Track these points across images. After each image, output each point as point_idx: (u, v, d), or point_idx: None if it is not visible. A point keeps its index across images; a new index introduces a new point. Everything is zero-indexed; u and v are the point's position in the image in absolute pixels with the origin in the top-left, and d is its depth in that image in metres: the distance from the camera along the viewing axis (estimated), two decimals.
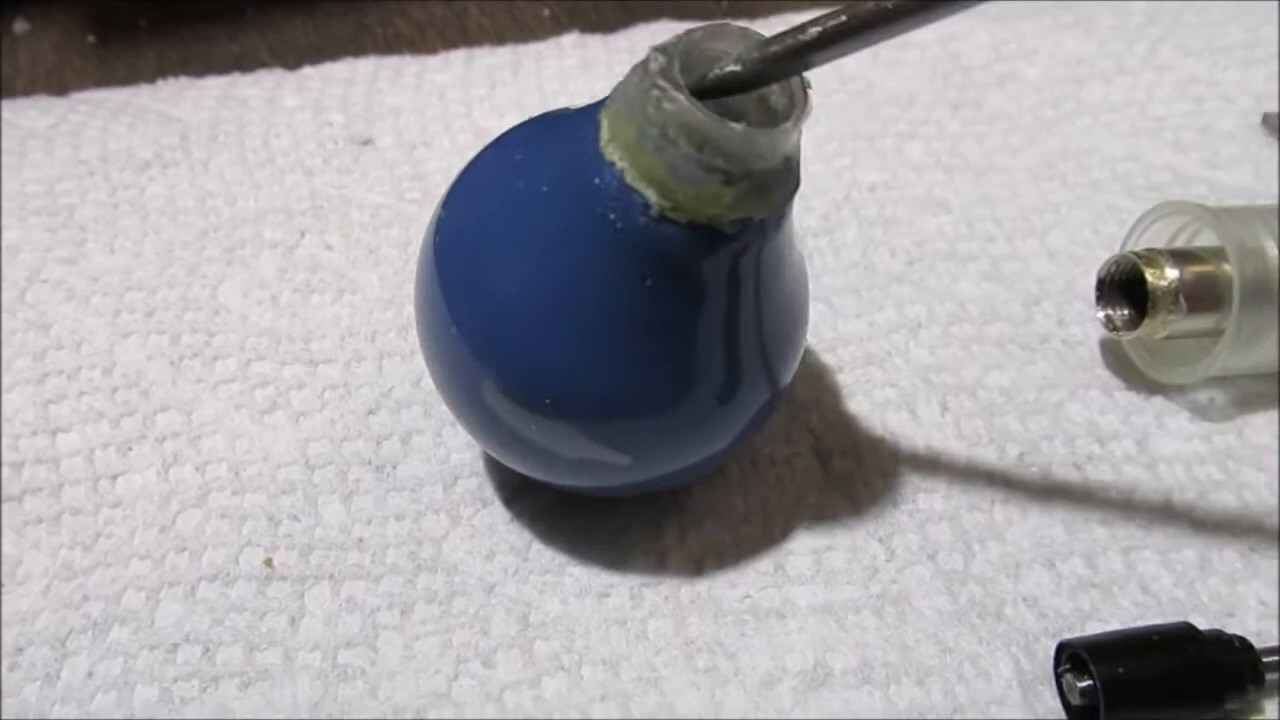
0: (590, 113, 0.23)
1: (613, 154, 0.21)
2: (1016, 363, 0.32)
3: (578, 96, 0.40)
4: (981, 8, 0.20)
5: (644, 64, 0.21)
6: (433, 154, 0.39)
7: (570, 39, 0.44)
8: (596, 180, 0.22)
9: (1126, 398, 0.32)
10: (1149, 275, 0.29)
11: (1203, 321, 0.30)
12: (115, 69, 0.45)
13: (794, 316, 0.26)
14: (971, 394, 0.32)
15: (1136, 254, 0.30)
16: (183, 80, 0.44)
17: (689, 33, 0.21)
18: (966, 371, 0.32)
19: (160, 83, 0.43)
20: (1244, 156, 0.38)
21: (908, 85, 0.42)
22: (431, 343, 0.25)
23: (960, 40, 0.43)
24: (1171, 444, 0.30)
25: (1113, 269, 0.31)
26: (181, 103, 0.42)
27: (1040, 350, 0.33)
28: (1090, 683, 0.24)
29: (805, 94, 0.21)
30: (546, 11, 0.48)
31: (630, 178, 0.21)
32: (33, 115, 0.40)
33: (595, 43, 0.44)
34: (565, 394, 0.24)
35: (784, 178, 0.22)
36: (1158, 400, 0.31)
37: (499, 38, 0.46)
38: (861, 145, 0.39)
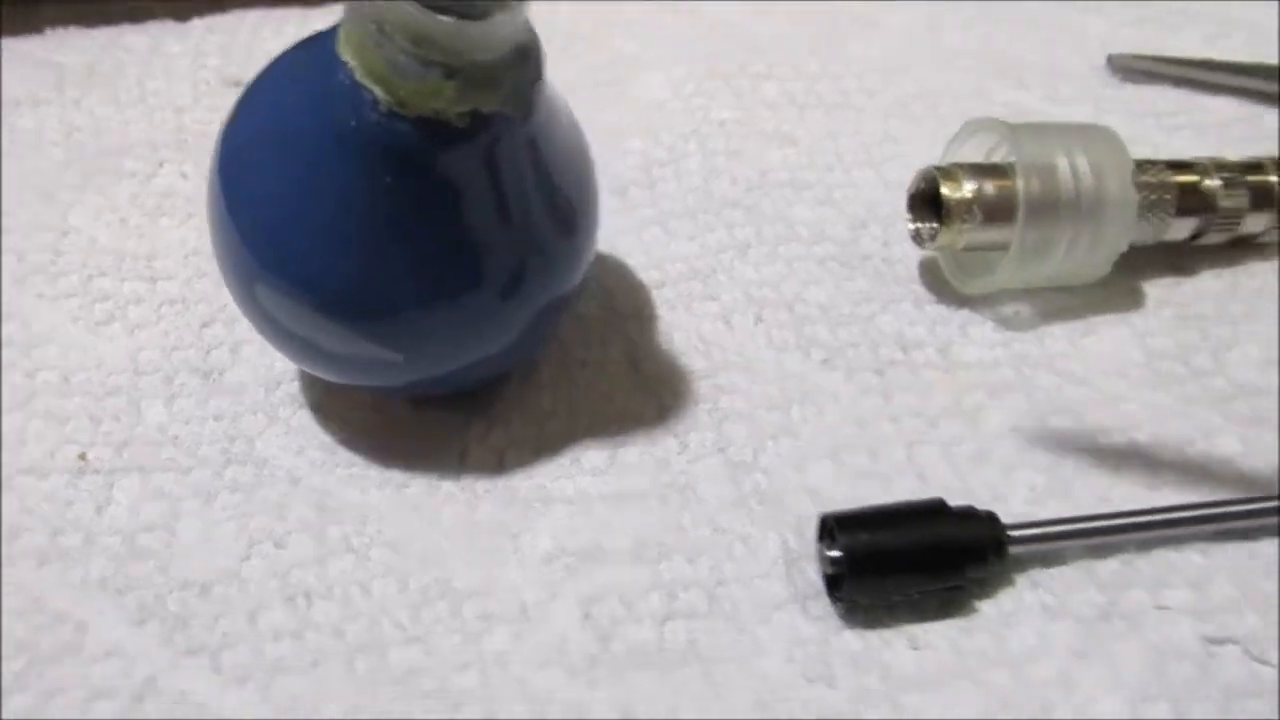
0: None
1: (345, 54, 0.22)
2: (835, 279, 0.33)
3: None
4: None
5: None
6: None
7: None
8: (333, 81, 0.23)
9: (936, 310, 0.32)
10: (945, 188, 0.30)
11: (999, 234, 0.31)
12: (12, 22, 0.46)
13: (566, 213, 0.26)
14: (788, 307, 0.33)
15: (938, 168, 0.31)
16: (71, 29, 0.44)
17: None
18: (786, 287, 0.33)
19: (49, 31, 0.44)
20: (1086, 95, 0.39)
21: (772, 29, 0.43)
22: (217, 246, 0.26)
23: None
24: (972, 351, 0.31)
25: (920, 184, 0.32)
26: (65, 49, 0.43)
27: (860, 268, 0.34)
28: (839, 553, 0.25)
29: None
30: None
31: (360, 75, 0.22)
32: None
33: None
34: (327, 292, 0.25)
35: (516, 68, 0.23)
36: (965, 312, 0.32)
37: None
38: (718, 84, 0.41)
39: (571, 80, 0.36)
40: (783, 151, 0.38)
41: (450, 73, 0.22)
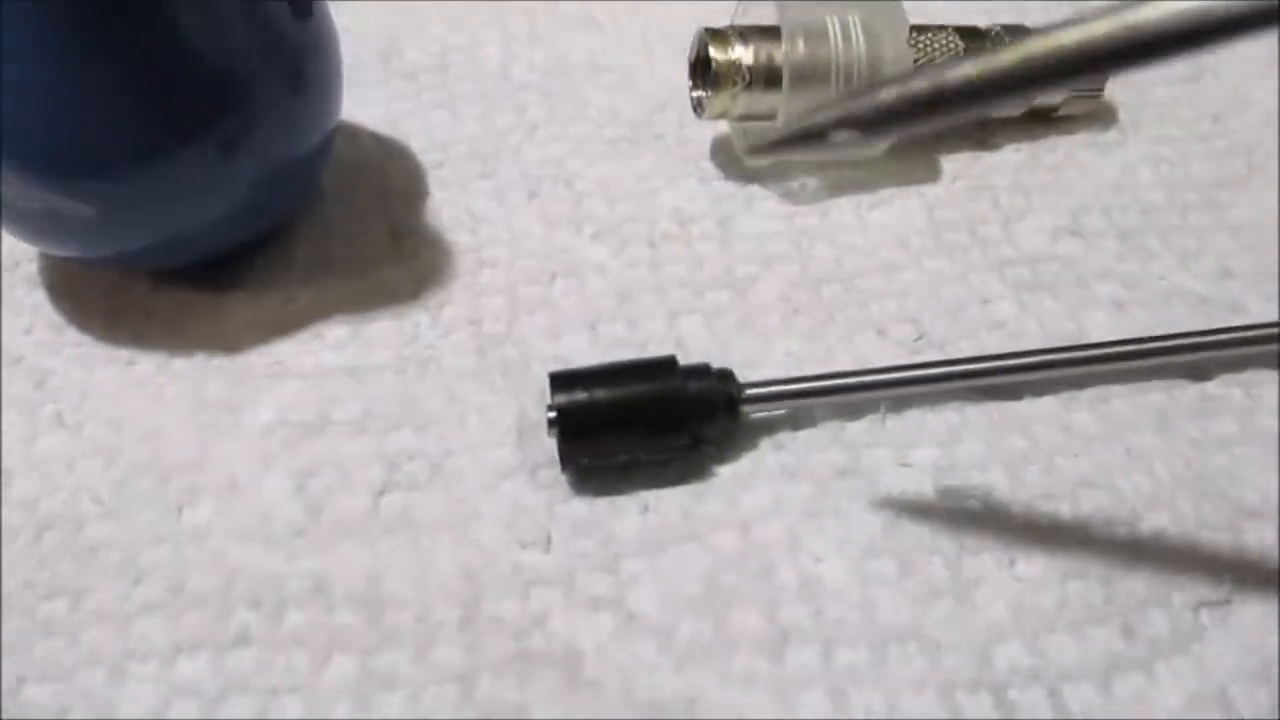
0: None
1: None
2: (622, 158, 0.32)
3: None
4: None
5: None
6: None
7: None
8: None
9: (722, 186, 0.31)
10: (714, 51, 0.29)
11: (770, 100, 0.29)
12: None
13: (289, 66, 0.25)
14: (568, 184, 0.31)
15: (709, 30, 0.29)
16: None
17: None
18: (569, 165, 0.31)
19: None
20: None
21: None
22: None
23: None
24: (752, 223, 0.30)
25: (699, 50, 0.30)
26: None
27: (650, 146, 0.32)
28: (554, 412, 0.23)
29: None
30: None
31: None
32: None
33: None
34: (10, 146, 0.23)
35: None
36: (752, 188, 0.31)
37: None
38: None
39: None
40: (588, 38, 0.36)
41: None
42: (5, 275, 0.29)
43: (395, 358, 0.26)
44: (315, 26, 0.25)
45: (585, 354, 0.26)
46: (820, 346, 0.26)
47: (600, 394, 0.23)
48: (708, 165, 0.31)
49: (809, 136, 0.18)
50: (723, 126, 0.32)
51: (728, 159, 0.31)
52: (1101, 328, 0.26)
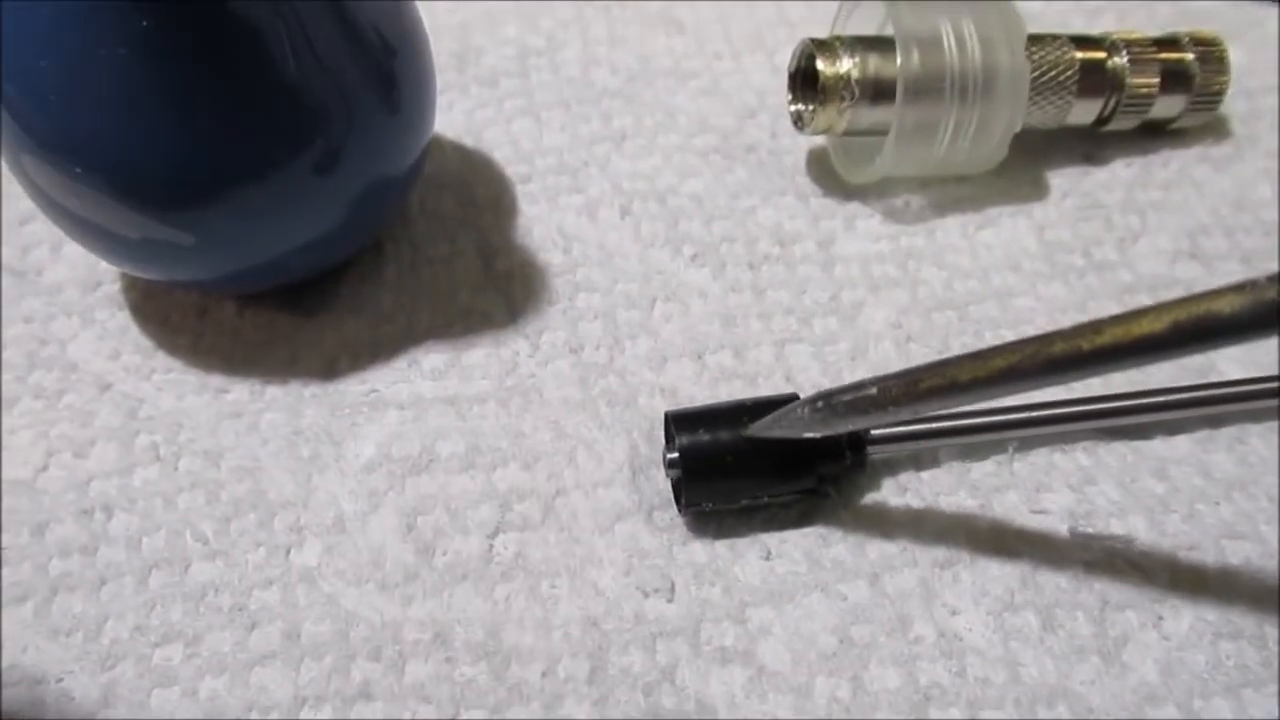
0: None
1: None
2: (715, 171, 0.31)
3: None
4: None
5: None
6: None
7: None
8: None
9: (821, 203, 0.30)
10: (821, 64, 0.27)
11: (883, 114, 0.28)
12: None
13: (386, 85, 0.24)
14: (661, 200, 0.30)
15: (814, 41, 0.28)
16: None
17: None
18: (661, 179, 0.30)
19: None
20: None
21: None
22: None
23: None
24: (856, 244, 0.28)
25: (800, 61, 0.29)
26: None
27: (743, 160, 0.31)
28: (676, 454, 0.22)
29: None
30: None
31: None
32: None
33: None
34: (102, 164, 0.22)
35: None
36: (853, 205, 0.30)
37: None
38: None
39: None
40: (668, 39, 0.35)
41: None
42: (87, 296, 0.28)
43: (496, 388, 0.26)
44: (411, 44, 0.25)
45: (692, 385, 0.25)
46: None
47: (724, 435, 0.22)
48: (804, 180, 0.30)
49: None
50: (818, 138, 0.31)
51: (824, 172, 0.30)
52: (1231, 360, 0.25)
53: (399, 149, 0.25)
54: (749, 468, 0.22)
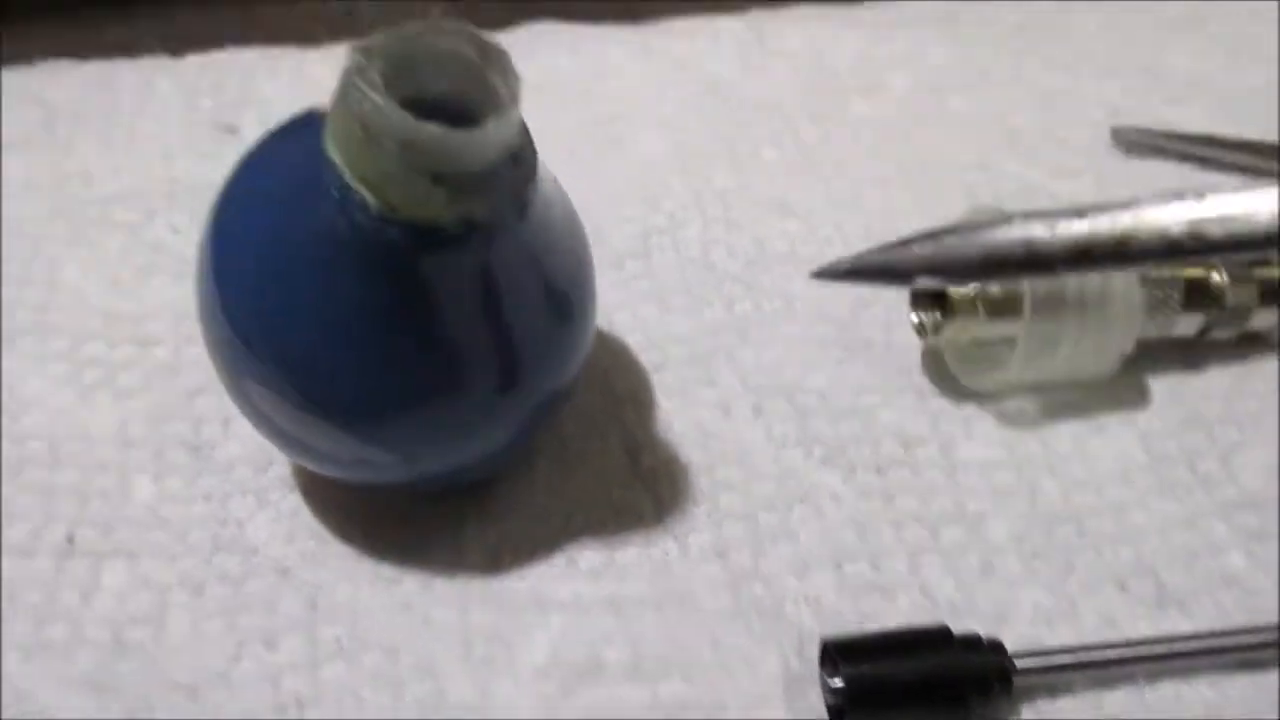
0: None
1: (334, 153, 0.22)
2: (836, 365, 0.33)
3: None
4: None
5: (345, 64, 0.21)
6: None
7: None
8: (323, 181, 0.22)
9: (939, 404, 0.32)
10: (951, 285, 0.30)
11: (1005, 328, 0.30)
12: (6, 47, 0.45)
13: (563, 304, 0.26)
14: (788, 396, 0.32)
15: None
16: (63, 63, 0.43)
17: (400, 30, 0.21)
18: (786, 373, 0.32)
19: (39, 64, 0.43)
20: (1090, 168, 0.39)
21: (773, 92, 0.42)
22: (207, 335, 0.26)
23: (829, 49, 0.43)
24: (974, 450, 0.31)
25: None
26: (56, 85, 0.42)
27: (862, 354, 0.33)
28: (841, 683, 0.24)
29: (513, 91, 0.21)
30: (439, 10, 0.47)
31: (349, 178, 0.21)
32: None
33: None
34: (320, 393, 0.24)
35: (508, 173, 0.22)
36: (969, 408, 0.32)
37: None
38: (719, 150, 0.40)
39: (566, 137, 0.35)
40: (782, 223, 0.37)
41: (439, 179, 0.21)
42: (259, 476, 0.30)
43: (651, 590, 0.28)
44: (581, 259, 0.27)
45: (835, 596, 0.28)
46: (1063, 599, 0.28)
47: (885, 668, 0.24)
48: (921, 380, 0.33)
49: (890, 276, 0.19)
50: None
51: (938, 371, 0.33)
52: None
53: (570, 361, 0.27)
54: (909, 701, 0.24)
